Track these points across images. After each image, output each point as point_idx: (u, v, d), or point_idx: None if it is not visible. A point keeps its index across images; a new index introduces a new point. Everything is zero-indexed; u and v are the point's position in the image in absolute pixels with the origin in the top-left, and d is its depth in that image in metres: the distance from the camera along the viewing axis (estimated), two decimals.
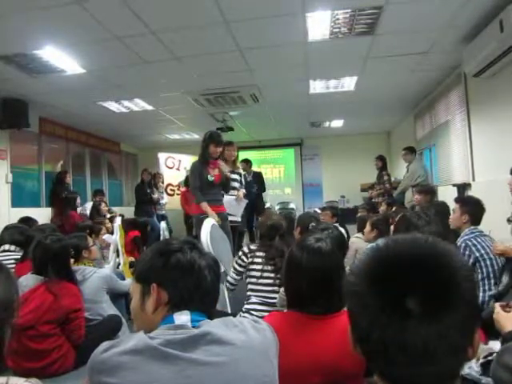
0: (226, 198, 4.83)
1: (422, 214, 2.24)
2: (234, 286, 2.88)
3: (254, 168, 7.81)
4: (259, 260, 2.68)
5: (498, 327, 1.61)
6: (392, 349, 0.61)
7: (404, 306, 0.59)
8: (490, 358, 1.24)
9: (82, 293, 3.00)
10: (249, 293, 2.68)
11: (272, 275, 2.63)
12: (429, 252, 0.65)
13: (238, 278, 2.82)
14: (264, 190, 7.46)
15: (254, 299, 2.60)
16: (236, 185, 5.20)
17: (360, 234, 3.68)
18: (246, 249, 2.81)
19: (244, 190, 5.37)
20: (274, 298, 2.46)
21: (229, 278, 2.83)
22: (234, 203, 4.88)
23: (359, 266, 0.68)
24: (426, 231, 2.05)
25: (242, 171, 5.63)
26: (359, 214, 4.04)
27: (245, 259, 2.75)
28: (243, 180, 5.50)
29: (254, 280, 2.66)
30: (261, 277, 2.63)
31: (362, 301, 0.64)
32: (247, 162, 7.29)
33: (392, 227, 2.88)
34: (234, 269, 2.80)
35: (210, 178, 4.23)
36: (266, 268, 2.64)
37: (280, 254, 2.64)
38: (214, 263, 1.14)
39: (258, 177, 7.39)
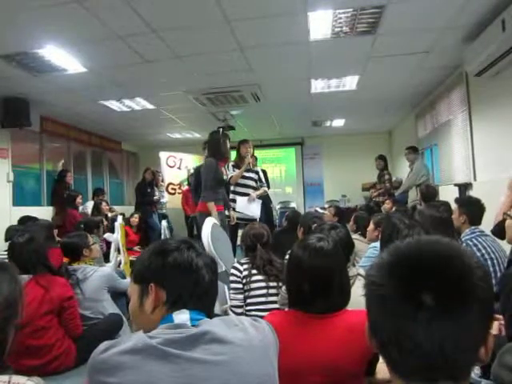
0: (240, 200, 4.80)
1: (405, 218, 2.23)
2: (242, 309, 2.61)
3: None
4: (261, 277, 2.60)
5: None
6: (405, 340, 0.63)
7: (419, 300, 0.62)
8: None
9: (82, 291, 3.02)
10: (249, 307, 2.58)
11: (272, 284, 2.59)
12: (447, 251, 0.67)
13: (242, 296, 2.61)
14: (268, 189, 7.40)
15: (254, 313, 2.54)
16: (252, 184, 5.16)
17: (357, 235, 3.64)
18: (237, 264, 2.74)
19: (266, 189, 5.32)
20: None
21: (233, 303, 2.62)
22: (246, 204, 4.86)
23: (380, 260, 0.71)
24: (406, 235, 2.05)
25: (259, 169, 5.56)
26: (355, 214, 4.00)
27: (238, 273, 2.65)
28: (262, 178, 5.40)
29: (261, 299, 2.55)
30: (267, 293, 2.54)
31: (379, 291, 0.67)
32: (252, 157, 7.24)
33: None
34: (234, 289, 2.63)
35: (225, 176, 4.20)
36: (271, 284, 2.57)
37: (267, 261, 2.63)
38: (211, 262, 1.15)
39: (263, 175, 7.35)
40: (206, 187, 4.23)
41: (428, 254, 0.67)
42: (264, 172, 7.37)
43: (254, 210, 4.91)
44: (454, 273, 0.63)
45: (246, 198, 4.92)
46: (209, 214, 4.12)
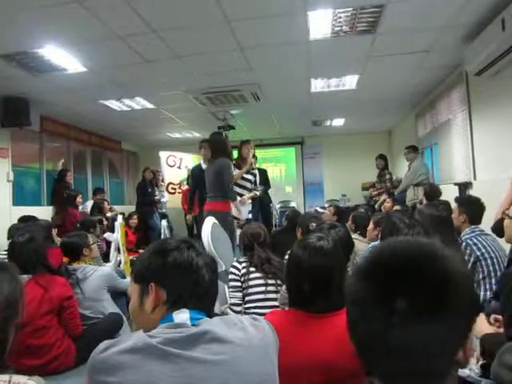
0: None
1: (405, 218, 2.24)
2: (241, 307, 2.64)
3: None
4: (259, 275, 2.62)
5: (476, 330, 1.65)
6: (378, 343, 0.63)
7: (392, 304, 0.61)
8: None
9: (82, 291, 3.02)
10: (248, 305, 2.60)
11: (271, 282, 2.60)
12: (423, 255, 0.66)
13: (240, 295, 2.63)
14: (269, 188, 7.47)
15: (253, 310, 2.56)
16: (249, 185, 5.21)
17: (357, 235, 3.64)
18: (235, 263, 2.76)
19: (258, 192, 5.40)
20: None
21: (232, 301, 2.64)
22: (237, 205, 4.93)
23: (358, 263, 0.71)
24: (406, 234, 2.07)
25: (256, 172, 5.63)
26: (353, 214, 4.01)
27: (237, 272, 2.67)
28: (257, 181, 5.51)
29: (260, 296, 2.57)
30: (266, 291, 2.56)
31: (354, 295, 0.67)
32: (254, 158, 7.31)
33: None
34: (233, 287, 2.66)
35: None
36: (269, 282, 2.59)
37: (265, 260, 2.66)
38: (211, 262, 1.15)
39: (263, 174, 7.41)
40: (229, 186, 4.36)
41: (404, 257, 0.66)
42: (264, 171, 7.44)
43: (242, 212, 4.99)
44: (429, 277, 0.62)
45: (238, 198, 5.00)
46: (228, 213, 4.30)
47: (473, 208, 2.92)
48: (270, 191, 7.40)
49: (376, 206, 6.63)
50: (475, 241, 2.73)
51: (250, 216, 5.15)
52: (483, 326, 1.65)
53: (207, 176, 4.51)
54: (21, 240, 2.80)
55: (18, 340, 0.97)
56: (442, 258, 0.65)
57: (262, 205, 6.95)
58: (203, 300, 1.09)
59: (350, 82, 5.50)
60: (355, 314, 0.67)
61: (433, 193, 4.79)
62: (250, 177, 5.24)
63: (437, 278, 0.62)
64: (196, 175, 5.53)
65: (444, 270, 0.63)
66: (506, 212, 2.00)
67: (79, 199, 6.47)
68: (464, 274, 0.65)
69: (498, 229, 2.58)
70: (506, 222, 1.97)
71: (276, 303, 2.42)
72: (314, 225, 3.28)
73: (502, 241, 2.66)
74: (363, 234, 3.58)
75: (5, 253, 3.42)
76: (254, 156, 7.34)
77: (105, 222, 5.48)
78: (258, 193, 5.46)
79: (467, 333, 0.65)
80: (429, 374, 0.63)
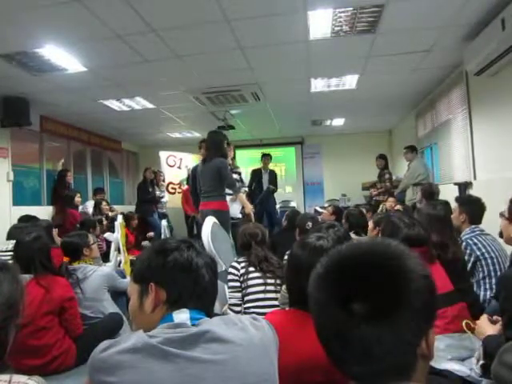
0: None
1: (405, 217, 2.24)
2: (240, 307, 2.65)
3: (257, 166, 8.01)
4: (258, 274, 2.62)
5: (479, 331, 1.66)
6: (341, 343, 0.64)
7: (351, 305, 0.62)
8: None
9: (82, 291, 3.02)
10: (247, 305, 2.60)
11: (271, 281, 2.60)
12: (379, 255, 0.67)
13: (240, 295, 2.64)
14: (276, 190, 7.54)
15: (253, 310, 2.57)
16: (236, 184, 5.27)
17: (353, 235, 3.62)
18: (234, 263, 2.76)
19: (246, 189, 5.45)
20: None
21: (232, 301, 2.65)
22: (229, 203, 4.98)
23: (319, 264, 0.71)
24: (404, 234, 2.08)
25: (240, 170, 5.71)
26: (346, 212, 3.99)
27: (236, 272, 2.68)
28: (244, 179, 5.58)
29: (260, 296, 2.58)
30: (265, 290, 2.56)
31: (317, 296, 0.68)
32: (268, 157, 7.52)
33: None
34: (231, 288, 2.67)
35: None
36: (268, 281, 2.59)
37: (263, 258, 2.66)
38: (211, 261, 1.15)
39: (272, 175, 7.48)
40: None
41: (362, 258, 0.67)
42: (274, 173, 7.56)
43: (233, 210, 5.03)
44: (386, 277, 0.63)
45: (228, 197, 5.06)
46: (227, 212, 4.40)
47: (473, 208, 2.92)
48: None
49: (380, 210, 6.61)
50: (475, 240, 2.73)
51: (240, 216, 5.20)
52: (486, 327, 1.64)
53: (203, 176, 4.50)
54: (27, 239, 2.80)
55: (18, 340, 0.98)
56: (399, 257, 0.66)
57: (268, 204, 6.99)
58: (203, 300, 1.09)
59: (350, 81, 5.50)
60: (317, 315, 0.68)
61: (431, 192, 4.78)
62: (235, 176, 5.33)
63: (393, 277, 0.63)
64: (195, 175, 5.54)
65: (400, 270, 0.64)
66: (503, 212, 1.99)
67: (78, 199, 6.45)
68: (420, 271, 0.65)
69: None
70: (504, 222, 1.95)
71: (275, 303, 2.42)
72: (310, 224, 3.30)
73: (502, 241, 2.65)
74: (357, 232, 3.57)
75: (5, 252, 3.42)
76: (268, 155, 7.59)
77: (104, 222, 5.47)
78: (246, 189, 5.54)
79: (428, 328, 0.66)
80: (396, 371, 0.64)
